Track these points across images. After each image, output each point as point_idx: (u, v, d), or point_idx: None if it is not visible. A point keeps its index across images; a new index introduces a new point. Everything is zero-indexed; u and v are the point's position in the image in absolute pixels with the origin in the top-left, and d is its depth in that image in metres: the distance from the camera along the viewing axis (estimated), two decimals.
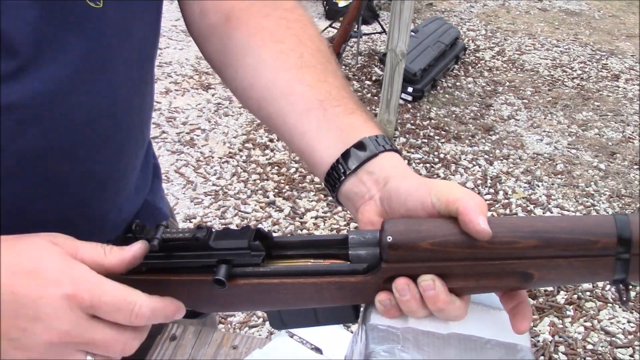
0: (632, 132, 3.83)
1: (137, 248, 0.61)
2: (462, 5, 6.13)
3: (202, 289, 0.64)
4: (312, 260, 0.66)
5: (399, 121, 3.56)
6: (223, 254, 0.64)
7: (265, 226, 2.67)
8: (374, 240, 0.62)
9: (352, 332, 0.72)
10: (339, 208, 2.80)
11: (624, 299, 0.58)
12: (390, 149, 0.71)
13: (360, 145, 0.71)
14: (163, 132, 3.38)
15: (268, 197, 2.85)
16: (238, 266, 0.63)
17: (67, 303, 0.53)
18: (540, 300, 2.46)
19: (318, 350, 0.90)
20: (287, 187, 2.95)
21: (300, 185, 2.98)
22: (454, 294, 0.62)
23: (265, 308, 0.67)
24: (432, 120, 3.74)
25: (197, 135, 3.37)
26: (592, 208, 3.00)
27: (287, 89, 0.77)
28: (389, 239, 0.59)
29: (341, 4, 5.21)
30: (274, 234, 0.67)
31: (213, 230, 0.66)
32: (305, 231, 2.65)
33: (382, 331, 0.61)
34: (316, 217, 2.74)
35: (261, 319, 2.25)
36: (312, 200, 2.86)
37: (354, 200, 0.71)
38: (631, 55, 5.15)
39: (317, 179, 3.01)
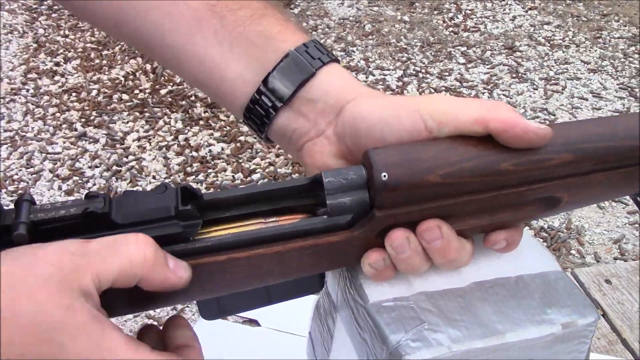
0: None
1: None
2: None
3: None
4: (268, 220, 0.48)
5: None
6: (137, 231, 0.44)
7: (84, 163, 2.34)
8: (359, 181, 0.46)
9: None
10: (162, 123, 2.53)
11: None
12: (330, 59, 0.52)
13: (286, 63, 0.51)
14: None
15: (76, 130, 2.49)
16: (164, 244, 0.44)
17: None
18: None
19: (255, 323, 0.72)
20: (94, 113, 2.59)
21: (108, 107, 2.63)
22: (462, 237, 0.47)
23: (207, 295, 0.49)
24: None
25: None
26: (409, 62, 3.00)
27: None
28: (384, 176, 0.44)
29: None
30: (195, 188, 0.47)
31: (112, 197, 0.44)
32: (131, 157, 2.36)
33: (391, 309, 0.45)
34: (139, 139, 2.45)
35: None
36: (127, 122, 2.54)
37: (292, 140, 0.52)
38: None
39: (125, 96, 2.68)
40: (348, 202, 0.46)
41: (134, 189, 2.27)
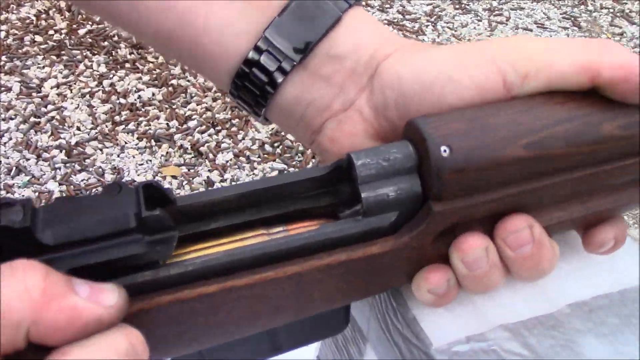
0: None
1: None
2: None
3: None
4: (273, 230, 0.34)
5: None
6: (79, 257, 0.29)
7: None
8: (406, 163, 0.32)
9: None
10: (83, 67, 2.28)
11: None
12: (356, 0, 0.37)
13: (298, 6, 0.36)
14: None
15: None
16: (122, 272, 0.30)
17: None
18: None
19: None
20: (4, 58, 2.30)
21: (20, 51, 2.35)
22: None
23: (187, 348, 0.34)
24: None
25: None
26: None
27: None
28: (445, 151, 0.31)
29: None
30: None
31: (36, 207, 0.30)
32: (50, 107, 2.12)
33: (466, 356, 0.31)
34: (58, 86, 2.20)
35: None
36: (43, 67, 2.28)
37: (306, 118, 0.37)
38: None
39: (39, 38, 2.40)
40: (392, 194, 0.32)
41: (56, 142, 2.06)
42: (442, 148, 0.30)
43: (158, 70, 2.28)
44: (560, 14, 2.87)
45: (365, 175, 0.32)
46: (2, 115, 2.08)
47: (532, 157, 0.31)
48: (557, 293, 0.36)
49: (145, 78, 2.25)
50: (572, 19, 2.84)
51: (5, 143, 1.99)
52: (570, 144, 0.31)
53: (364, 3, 2.23)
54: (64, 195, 1.80)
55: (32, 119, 2.07)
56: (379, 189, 0.32)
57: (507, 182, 0.32)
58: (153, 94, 2.19)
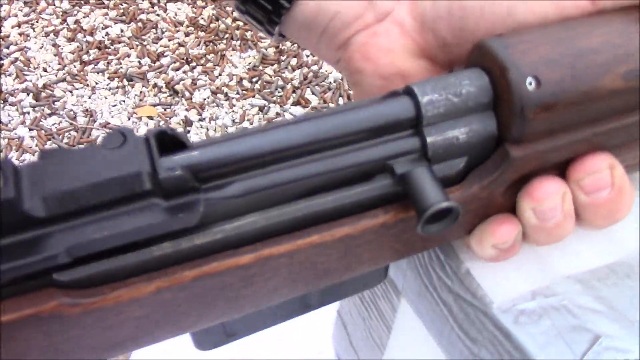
0: None
1: None
2: None
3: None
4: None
5: None
6: (78, 228, 0.24)
7: None
8: (481, 98, 0.27)
9: None
10: (44, 4, 2.14)
11: None
12: None
13: None
14: None
15: None
16: (140, 244, 0.26)
17: None
18: None
19: None
20: None
21: None
22: None
23: (215, 319, 0.29)
24: None
25: None
26: None
27: None
28: (531, 83, 0.25)
29: None
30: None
31: (19, 168, 0.24)
32: (13, 47, 2.00)
33: (535, 315, 0.27)
34: (19, 25, 2.07)
35: None
36: (1, 4, 2.14)
37: (330, 31, 0.31)
38: None
39: None
40: (463, 136, 0.27)
41: (22, 85, 1.95)
42: (528, 80, 0.25)
43: (125, 5, 2.16)
44: None
45: (431, 115, 0.26)
46: None
47: (632, 88, 0.26)
48: (628, 237, 0.31)
49: (112, 14, 2.13)
50: None
51: None
52: None
53: None
54: (36, 143, 1.72)
55: None
56: (447, 130, 0.26)
57: (599, 117, 0.27)
58: (121, 30, 2.08)
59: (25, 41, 2.03)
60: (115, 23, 2.10)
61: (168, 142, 0.25)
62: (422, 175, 0.26)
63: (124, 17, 2.12)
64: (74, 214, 0.24)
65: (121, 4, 2.16)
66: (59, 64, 1.96)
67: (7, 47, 2.01)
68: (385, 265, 0.31)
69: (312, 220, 0.27)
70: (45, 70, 1.94)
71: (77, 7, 2.14)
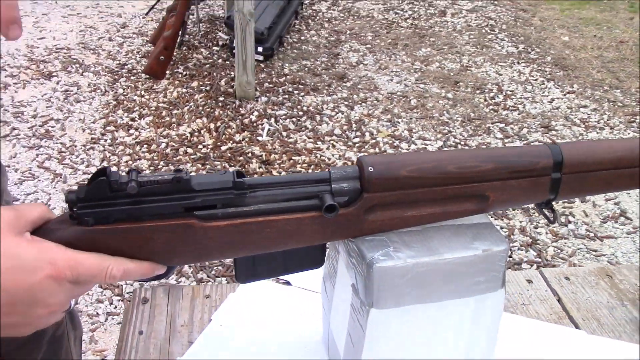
0: (468, 61, 4.15)
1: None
2: None
3: (181, 234, 0.61)
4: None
5: (256, 81, 3.59)
6: (206, 195, 0.61)
7: None
8: (354, 174, 0.65)
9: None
10: None
11: (552, 219, 0.69)
12: None
13: None
14: (13, 128, 3.17)
15: None
16: (222, 207, 0.61)
17: (54, 281, 0.56)
18: None
19: (287, 283, 0.94)
20: (162, 163, 2.90)
21: (174, 158, 2.94)
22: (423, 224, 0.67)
23: (244, 252, 0.65)
24: (288, 76, 3.81)
25: (52, 127, 3.20)
26: (449, 134, 3.24)
27: None
28: (371, 169, 0.64)
29: None
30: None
31: (190, 173, 0.64)
32: None
33: (371, 241, 0.66)
34: None
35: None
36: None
37: None
38: None
39: (190, 150, 2.99)
40: (346, 187, 0.65)
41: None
42: (370, 168, 0.64)
43: None
44: None
45: (334, 178, 0.64)
46: None
47: (412, 177, 0.64)
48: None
49: None
50: None
51: None
52: (432, 173, 0.65)
53: None
54: None
55: None
56: (340, 184, 0.65)
57: (401, 187, 0.64)
58: None
59: None
60: None
61: (240, 174, 0.69)
62: (329, 197, 0.67)
63: None
64: (205, 191, 0.64)
65: None
66: None
67: None
68: (319, 251, 0.69)
69: (285, 211, 0.64)
70: None
71: None
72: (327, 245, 0.71)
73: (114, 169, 0.67)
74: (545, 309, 0.91)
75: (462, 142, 3.19)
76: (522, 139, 3.25)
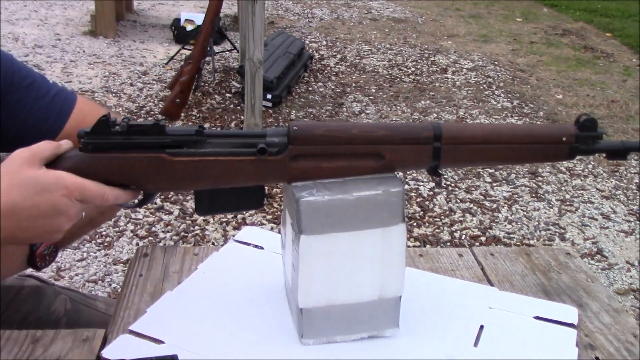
0: (464, 113, 4.41)
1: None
2: (301, 21, 6.60)
3: (156, 165, 0.83)
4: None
5: (264, 125, 3.86)
6: (176, 137, 0.83)
7: (159, 228, 2.85)
8: (284, 132, 0.87)
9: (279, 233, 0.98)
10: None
11: (438, 182, 0.90)
12: None
13: None
14: None
15: (156, 203, 3.04)
16: (186, 146, 0.84)
17: (68, 199, 0.79)
18: None
19: (259, 247, 1.16)
20: (171, 192, 3.14)
21: None
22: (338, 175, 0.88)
23: (202, 184, 0.86)
24: (293, 121, 4.08)
25: None
26: (441, 177, 3.46)
27: None
28: (295, 128, 0.85)
29: (189, 27, 5.46)
30: None
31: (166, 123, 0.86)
32: (197, 228, 2.86)
33: (302, 186, 0.86)
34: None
35: None
36: None
37: None
38: (453, 52, 5.84)
39: None
40: (277, 140, 0.87)
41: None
42: (294, 127, 0.86)
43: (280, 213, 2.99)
44: (627, 210, 3.30)
45: (269, 134, 0.84)
46: (163, 229, 2.84)
47: (327, 135, 0.85)
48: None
49: (269, 216, 2.96)
50: (638, 215, 3.25)
51: None
52: (340, 132, 0.88)
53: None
54: None
55: (182, 234, 2.81)
56: (273, 138, 0.85)
57: (319, 143, 0.86)
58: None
59: (206, 225, 2.88)
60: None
61: (202, 127, 0.93)
62: (263, 145, 0.89)
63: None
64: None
65: (278, 212, 2.99)
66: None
67: (193, 227, 2.86)
68: (260, 193, 0.91)
69: (230, 153, 0.85)
70: (213, 244, 2.74)
71: None
72: (265, 191, 0.91)
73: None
74: (469, 274, 1.12)
75: (453, 184, 3.41)
76: (510, 183, 3.47)
